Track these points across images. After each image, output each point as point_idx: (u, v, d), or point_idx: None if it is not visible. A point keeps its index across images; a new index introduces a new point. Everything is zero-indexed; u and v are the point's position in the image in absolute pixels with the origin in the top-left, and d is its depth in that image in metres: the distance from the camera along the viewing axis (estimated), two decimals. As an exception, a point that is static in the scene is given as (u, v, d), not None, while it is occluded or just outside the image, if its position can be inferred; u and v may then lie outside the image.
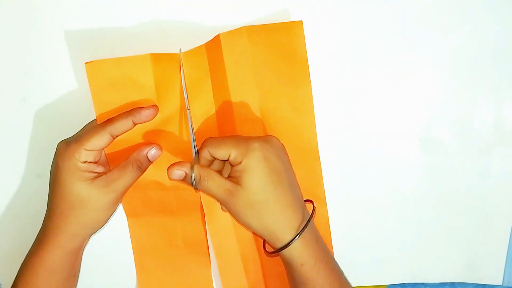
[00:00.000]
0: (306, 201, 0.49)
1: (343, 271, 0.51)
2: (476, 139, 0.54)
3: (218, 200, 0.46)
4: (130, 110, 0.47)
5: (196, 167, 0.45)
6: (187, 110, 0.50)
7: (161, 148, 0.49)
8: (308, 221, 0.46)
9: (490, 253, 0.56)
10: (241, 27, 0.49)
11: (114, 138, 0.47)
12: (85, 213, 0.46)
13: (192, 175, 0.45)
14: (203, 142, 0.47)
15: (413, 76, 0.54)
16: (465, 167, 0.55)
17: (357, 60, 0.53)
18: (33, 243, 0.49)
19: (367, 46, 0.53)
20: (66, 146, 0.46)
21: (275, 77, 0.51)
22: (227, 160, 0.45)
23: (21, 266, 0.49)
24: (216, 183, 0.44)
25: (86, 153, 0.45)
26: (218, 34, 0.49)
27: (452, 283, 0.57)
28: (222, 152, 0.44)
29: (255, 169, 0.43)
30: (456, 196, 0.55)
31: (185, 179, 0.46)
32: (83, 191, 0.45)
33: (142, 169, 0.48)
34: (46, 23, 0.52)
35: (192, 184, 0.45)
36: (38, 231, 0.49)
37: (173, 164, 0.46)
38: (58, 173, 0.46)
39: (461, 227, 0.56)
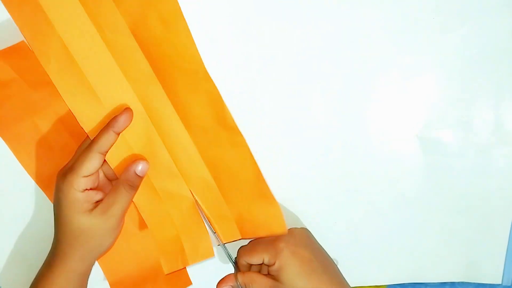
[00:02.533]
0: None
1: (344, 271, 0.51)
2: (476, 139, 0.54)
3: None
4: (108, 123, 0.47)
5: (239, 276, 0.51)
6: (214, 234, 0.54)
7: (147, 161, 0.49)
8: None
9: (489, 252, 0.56)
10: None
11: (105, 155, 0.47)
12: (89, 241, 0.47)
13: (239, 285, 0.51)
14: (238, 252, 0.52)
15: (413, 76, 0.54)
16: (465, 167, 0.55)
17: (357, 60, 0.53)
18: (42, 265, 0.50)
19: (367, 47, 0.53)
20: (63, 179, 0.46)
21: None
22: (262, 263, 0.50)
23: (30, 287, 0.50)
24: (260, 284, 0.50)
25: (85, 180, 0.46)
26: None
27: (452, 283, 0.57)
28: (256, 259, 0.50)
29: (287, 266, 0.49)
30: (456, 196, 0.55)
31: None
32: (84, 222, 0.46)
33: (134, 187, 0.48)
34: None
35: None
36: (47, 255, 0.50)
37: (219, 283, 0.52)
38: (59, 207, 0.47)
39: (461, 227, 0.56)
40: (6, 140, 0.53)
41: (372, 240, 0.56)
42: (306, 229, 0.53)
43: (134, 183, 0.48)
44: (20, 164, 0.53)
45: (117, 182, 0.48)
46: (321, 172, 0.55)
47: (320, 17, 0.52)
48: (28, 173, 0.53)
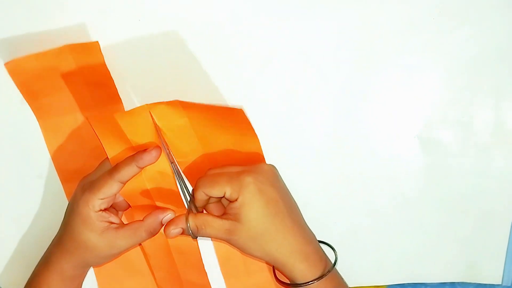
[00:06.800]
0: (321, 242, 0.49)
1: (344, 271, 0.51)
2: (476, 139, 0.54)
3: (220, 240, 0.46)
4: (134, 155, 0.47)
5: (190, 218, 0.45)
6: (171, 164, 0.49)
7: (175, 213, 0.48)
8: (329, 271, 0.47)
9: (489, 253, 0.56)
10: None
11: (124, 184, 0.47)
12: (88, 256, 0.48)
13: (189, 228, 0.45)
14: (196, 183, 0.47)
15: (413, 76, 0.54)
16: (465, 167, 0.55)
17: (357, 60, 0.53)
18: (40, 261, 0.51)
19: (367, 47, 0.53)
20: (82, 194, 0.47)
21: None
22: (223, 197, 0.46)
23: (26, 283, 0.51)
24: (214, 228, 0.45)
25: (100, 201, 0.46)
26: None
27: (452, 283, 0.57)
28: (217, 191, 0.45)
29: (251, 203, 0.44)
30: (456, 196, 0.55)
31: (184, 233, 0.46)
32: (91, 240, 0.47)
33: (153, 234, 0.48)
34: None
35: (190, 236, 0.45)
36: (47, 249, 0.50)
37: (168, 224, 0.46)
38: (71, 218, 0.47)
39: (461, 227, 0.56)
40: (43, 128, 0.53)
41: (372, 240, 0.56)
42: (275, 166, 0.49)
43: (155, 231, 0.48)
44: (21, 166, 0.54)
45: (140, 223, 0.48)
46: (321, 172, 0.55)
47: (320, 17, 0.53)
48: (53, 163, 0.54)
